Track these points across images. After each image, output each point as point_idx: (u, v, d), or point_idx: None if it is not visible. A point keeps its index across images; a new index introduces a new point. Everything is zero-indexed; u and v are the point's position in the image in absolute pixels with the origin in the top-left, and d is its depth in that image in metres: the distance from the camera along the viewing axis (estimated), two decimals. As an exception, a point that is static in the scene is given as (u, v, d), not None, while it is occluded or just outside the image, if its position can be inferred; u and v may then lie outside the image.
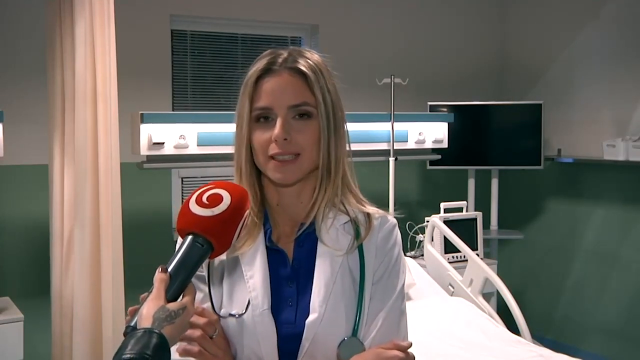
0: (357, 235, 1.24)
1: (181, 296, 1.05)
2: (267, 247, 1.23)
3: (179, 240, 1.23)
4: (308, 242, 1.24)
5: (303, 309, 1.19)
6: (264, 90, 1.20)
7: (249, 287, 1.20)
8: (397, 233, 1.30)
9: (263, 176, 1.26)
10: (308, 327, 1.17)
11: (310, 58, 1.23)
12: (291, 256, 1.24)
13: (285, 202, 1.26)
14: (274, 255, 1.24)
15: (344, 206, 1.26)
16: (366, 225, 1.26)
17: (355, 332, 1.19)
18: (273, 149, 1.19)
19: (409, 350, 1.21)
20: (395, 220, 1.31)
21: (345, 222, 1.25)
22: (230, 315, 1.19)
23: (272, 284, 1.21)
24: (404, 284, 1.28)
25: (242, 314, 1.18)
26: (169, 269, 1.05)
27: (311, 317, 1.18)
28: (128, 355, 0.92)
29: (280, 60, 1.21)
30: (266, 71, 1.21)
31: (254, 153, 1.22)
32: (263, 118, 1.20)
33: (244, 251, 1.22)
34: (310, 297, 1.20)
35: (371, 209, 1.29)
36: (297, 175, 1.21)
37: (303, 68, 1.20)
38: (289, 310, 1.20)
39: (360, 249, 1.24)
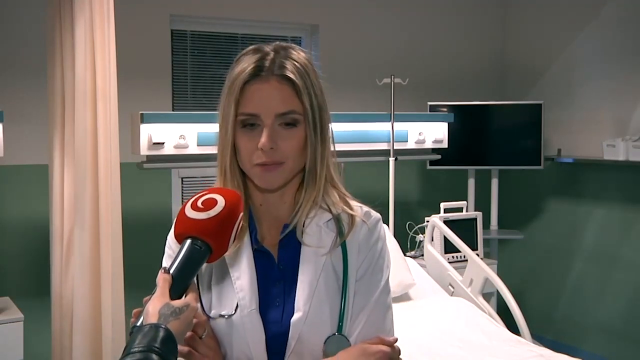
0: (340, 232, 1.24)
1: (184, 295, 1.07)
2: (253, 249, 1.24)
3: (167, 247, 1.27)
4: (292, 242, 1.24)
5: (289, 308, 1.21)
6: (251, 96, 1.18)
7: (236, 288, 1.21)
8: (380, 228, 1.30)
9: (247, 177, 1.26)
10: (293, 326, 1.19)
11: (297, 60, 1.20)
12: (277, 257, 1.25)
13: (268, 203, 1.27)
14: (260, 257, 1.24)
15: (327, 204, 1.26)
16: (349, 221, 1.26)
17: (340, 329, 1.20)
18: (259, 158, 1.18)
19: (396, 345, 1.23)
20: (378, 215, 1.31)
21: (328, 220, 1.25)
22: (221, 316, 1.21)
23: (260, 284, 1.22)
24: (388, 279, 1.28)
25: (232, 314, 1.20)
26: (171, 271, 1.07)
27: (296, 315, 1.19)
28: (137, 349, 0.94)
29: (267, 64, 1.19)
30: (254, 76, 1.18)
31: (239, 157, 1.22)
32: (249, 124, 1.19)
33: (230, 252, 1.21)
34: (295, 296, 1.21)
35: (354, 205, 1.29)
36: (281, 181, 1.22)
37: (291, 75, 1.18)
38: (276, 310, 1.22)
39: (344, 246, 1.24)
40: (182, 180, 3.89)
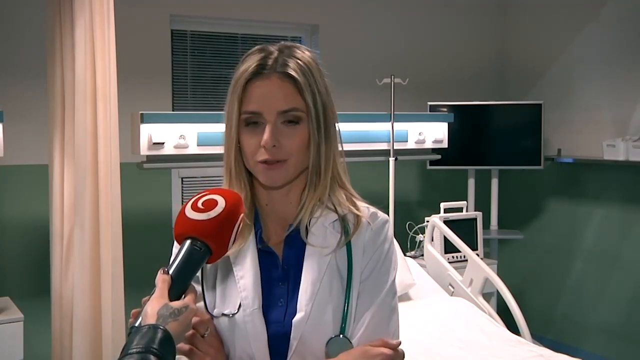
0: (345, 232, 1.24)
1: (182, 297, 1.07)
2: (258, 248, 1.24)
3: (174, 247, 1.24)
4: (297, 242, 1.24)
5: (292, 308, 1.20)
6: (254, 94, 1.18)
7: (239, 287, 1.21)
8: (388, 229, 1.29)
9: (253, 176, 1.25)
10: (295, 326, 1.18)
11: (301, 58, 1.20)
12: (281, 257, 1.24)
13: (274, 202, 1.26)
14: (264, 256, 1.24)
15: (333, 205, 1.25)
16: (355, 222, 1.25)
17: (342, 330, 1.19)
18: (262, 155, 1.18)
19: (400, 348, 1.21)
20: (386, 217, 1.30)
21: (334, 221, 1.24)
22: (223, 314, 1.21)
23: (264, 284, 1.22)
24: (394, 281, 1.27)
25: (235, 313, 1.19)
26: (170, 272, 1.07)
27: (298, 316, 1.18)
28: (135, 350, 0.93)
29: (270, 62, 1.19)
30: (256, 74, 1.19)
31: (244, 156, 1.22)
32: (252, 123, 1.19)
33: (235, 251, 1.22)
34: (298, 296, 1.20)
35: (361, 206, 1.28)
36: (285, 179, 1.21)
37: (293, 73, 1.18)
38: (279, 310, 1.21)
39: (349, 247, 1.23)
40: (182, 180, 3.89)
